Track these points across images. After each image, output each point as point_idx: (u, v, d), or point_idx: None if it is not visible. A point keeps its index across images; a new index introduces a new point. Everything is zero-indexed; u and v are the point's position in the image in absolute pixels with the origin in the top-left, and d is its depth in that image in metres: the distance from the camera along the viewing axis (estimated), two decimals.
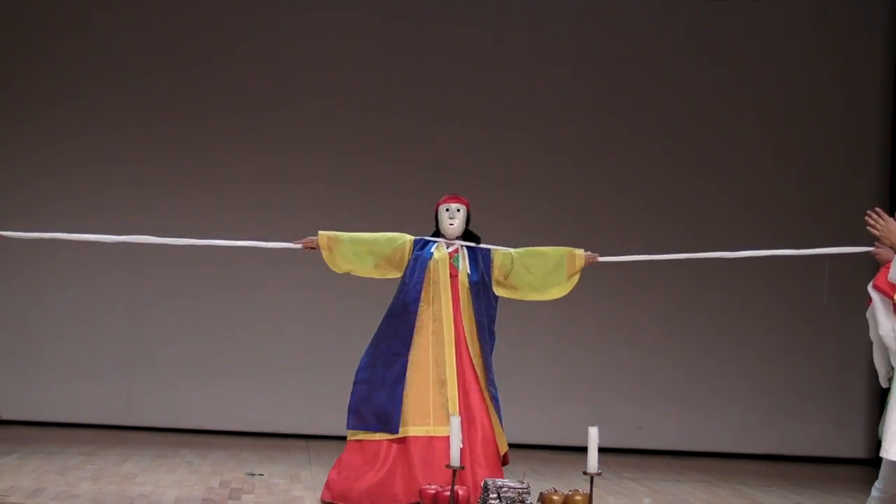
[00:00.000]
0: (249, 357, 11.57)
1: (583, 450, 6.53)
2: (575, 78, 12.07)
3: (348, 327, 10.95)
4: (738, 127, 12.18)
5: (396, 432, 7.10)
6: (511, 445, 7.48)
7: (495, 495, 6.45)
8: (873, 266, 6.61)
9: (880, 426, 6.15)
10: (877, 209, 6.25)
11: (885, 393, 6.29)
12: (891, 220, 6.17)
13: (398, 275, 7.32)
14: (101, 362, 11.49)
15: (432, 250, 7.32)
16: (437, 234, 7.44)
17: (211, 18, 11.81)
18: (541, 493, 6.60)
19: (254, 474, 8.73)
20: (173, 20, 11.78)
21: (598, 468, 6.46)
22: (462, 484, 6.66)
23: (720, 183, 12.14)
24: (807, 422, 12.01)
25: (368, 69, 11.88)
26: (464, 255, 7.35)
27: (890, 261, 6.22)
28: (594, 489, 6.57)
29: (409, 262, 7.29)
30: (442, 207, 7.42)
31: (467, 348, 7.23)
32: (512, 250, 7.40)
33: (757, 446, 11.95)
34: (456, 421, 6.36)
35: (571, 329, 11.76)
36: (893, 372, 6.23)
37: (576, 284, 7.44)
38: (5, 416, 11.38)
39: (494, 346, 7.38)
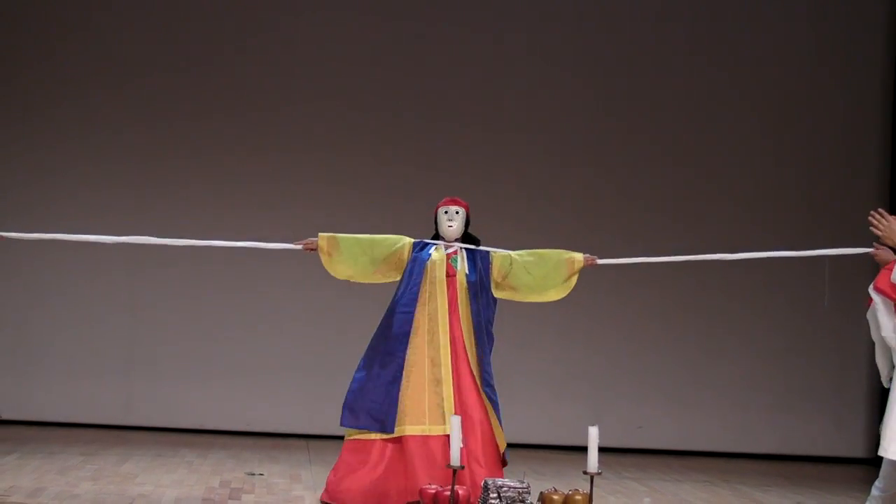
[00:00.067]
0: (250, 357, 11.57)
1: (583, 449, 6.53)
2: (575, 78, 12.07)
3: (348, 327, 10.97)
4: (738, 127, 12.18)
5: (391, 432, 7.10)
6: (511, 445, 7.48)
7: (495, 495, 6.45)
8: (873, 267, 6.61)
9: (881, 425, 6.15)
10: (879, 210, 6.27)
11: (885, 392, 6.30)
12: (893, 220, 6.18)
13: (397, 278, 7.33)
14: (101, 362, 11.50)
15: (431, 251, 7.32)
16: (437, 236, 7.44)
17: (211, 18, 11.82)
18: (541, 493, 6.60)
19: (254, 474, 8.73)
20: (173, 20, 11.78)
21: (599, 468, 6.46)
22: (460, 483, 6.65)
23: (720, 183, 12.14)
24: (807, 421, 12.01)
25: (368, 69, 11.88)
26: (462, 257, 7.35)
27: (889, 262, 6.22)
28: (594, 489, 6.57)
29: (407, 263, 7.29)
30: (441, 210, 7.43)
31: (464, 348, 7.24)
32: (511, 252, 7.40)
33: (757, 446, 11.95)
34: (456, 420, 6.37)
35: (571, 328, 11.76)
36: (895, 372, 6.24)
37: (574, 285, 7.44)
38: (5, 416, 11.38)
39: (493, 347, 7.37)
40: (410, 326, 7.22)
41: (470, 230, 7.48)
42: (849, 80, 12.24)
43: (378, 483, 7.06)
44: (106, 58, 11.68)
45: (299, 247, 7.38)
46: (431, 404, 7.11)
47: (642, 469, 10.33)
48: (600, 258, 7.47)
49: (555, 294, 7.41)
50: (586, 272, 7.43)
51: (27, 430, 10.96)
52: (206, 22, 11.81)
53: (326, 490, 7.25)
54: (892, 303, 6.15)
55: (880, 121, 12.23)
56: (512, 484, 6.50)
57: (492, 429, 7.23)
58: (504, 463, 7.29)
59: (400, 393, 7.14)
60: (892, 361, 6.25)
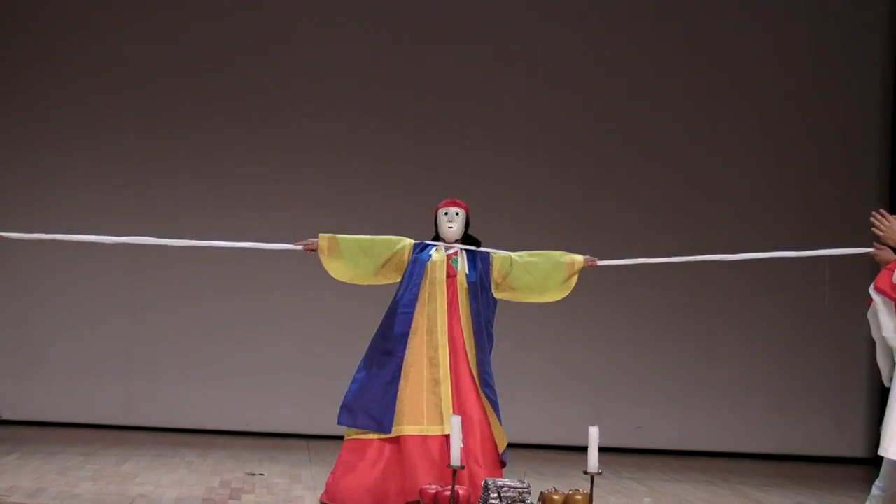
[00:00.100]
0: (250, 357, 11.57)
1: (583, 449, 6.53)
2: (575, 78, 12.08)
3: (349, 327, 10.96)
4: (738, 127, 12.19)
5: (389, 432, 7.10)
6: (511, 445, 7.48)
7: (496, 495, 6.45)
8: (872, 267, 6.62)
9: (882, 425, 6.15)
10: (881, 210, 6.28)
11: (885, 392, 6.30)
12: (894, 220, 6.19)
13: (397, 279, 7.32)
14: (101, 362, 11.50)
15: (431, 252, 7.32)
16: (437, 238, 7.43)
17: (211, 18, 11.82)
18: (541, 493, 6.60)
19: (254, 474, 8.73)
20: (173, 20, 11.78)
21: (599, 468, 6.46)
22: (459, 483, 6.65)
23: (720, 183, 12.14)
24: (807, 421, 12.01)
25: (369, 69, 11.88)
26: (463, 257, 7.35)
27: (890, 261, 6.23)
28: (594, 489, 6.57)
29: (408, 264, 7.29)
30: (441, 211, 7.42)
31: (464, 349, 7.23)
32: (512, 253, 7.40)
33: (757, 446, 11.95)
34: (456, 420, 6.37)
35: (571, 328, 11.76)
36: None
37: (574, 286, 7.44)
38: (5, 416, 11.38)
39: (493, 347, 7.37)
40: (409, 327, 7.22)
41: (470, 231, 7.48)
42: (849, 80, 12.24)
43: (376, 483, 7.06)
44: (106, 58, 11.68)
45: (300, 247, 7.37)
46: (430, 404, 7.11)
47: (642, 469, 10.33)
48: (600, 259, 7.46)
49: (555, 295, 7.41)
50: (586, 272, 7.43)
51: (27, 430, 10.96)
52: (206, 22, 11.81)
53: (326, 491, 7.25)
54: (893, 303, 6.15)
55: (880, 121, 12.24)
56: (512, 484, 6.50)
57: (491, 429, 7.22)
58: (503, 464, 7.28)
59: (398, 393, 7.14)
60: (892, 361, 6.25)
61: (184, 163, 11.69)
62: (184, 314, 11.60)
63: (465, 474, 6.94)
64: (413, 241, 7.37)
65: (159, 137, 11.67)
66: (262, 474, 8.74)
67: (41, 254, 11.13)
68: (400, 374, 7.16)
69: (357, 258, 7.31)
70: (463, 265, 7.32)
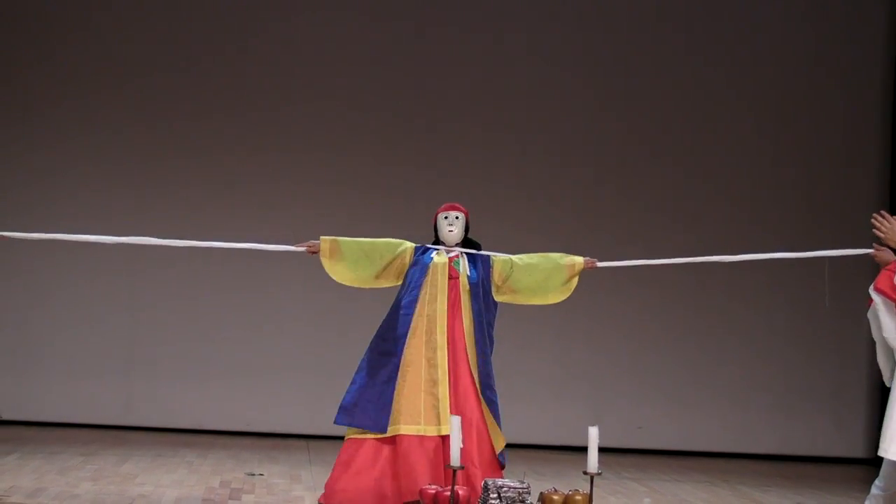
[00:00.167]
0: (249, 357, 11.57)
1: (583, 450, 6.53)
2: (575, 78, 12.08)
3: (349, 327, 10.97)
4: (737, 126, 12.19)
5: (385, 431, 7.10)
6: (511, 445, 7.48)
7: (495, 495, 6.45)
8: (872, 267, 6.62)
9: (883, 426, 6.15)
10: (882, 211, 6.29)
11: (885, 392, 6.30)
12: None
13: (398, 283, 7.32)
14: (101, 362, 11.50)
15: (433, 255, 7.32)
16: (437, 242, 7.43)
17: (211, 18, 11.82)
18: (541, 493, 6.60)
19: (254, 474, 8.73)
20: (173, 20, 11.78)
21: (599, 468, 6.46)
22: (457, 483, 6.64)
23: (720, 183, 12.14)
24: (807, 421, 12.01)
25: (369, 69, 11.88)
26: (464, 260, 7.35)
27: (890, 262, 6.23)
28: (594, 489, 6.57)
29: (409, 267, 7.29)
30: (441, 215, 7.42)
31: (465, 349, 7.23)
32: (512, 256, 7.39)
33: (757, 446, 11.95)
34: (456, 421, 6.37)
35: (571, 329, 11.76)
36: None
37: (575, 288, 7.43)
38: (5, 416, 11.38)
39: (493, 349, 7.37)
40: (409, 328, 7.22)
41: (470, 231, 7.48)
42: (849, 80, 12.24)
43: (374, 484, 7.05)
44: (106, 58, 11.68)
45: (302, 249, 7.37)
46: (427, 405, 7.11)
47: (642, 469, 10.33)
48: (600, 260, 7.46)
49: (555, 297, 7.41)
50: (586, 273, 7.42)
51: (27, 430, 10.96)
52: (206, 22, 11.81)
53: (325, 492, 7.24)
54: (893, 303, 6.15)
55: (880, 121, 12.24)
56: (512, 484, 6.50)
57: (488, 430, 7.21)
58: (501, 465, 7.28)
59: (395, 392, 7.14)
60: (893, 361, 6.25)
61: (184, 163, 11.69)
62: (184, 314, 11.60)
63: (462, 475, 6.94)
64: (414, 245, 7.37)
65: (159, 137, 11.67)
66: (261, 474, 8.74)
67: (41, 254, 11.13)
68: (397, 374, 7.16)
69: (358, 261, 7.30)
70: (465, 267, 7.32)
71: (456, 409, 7.08)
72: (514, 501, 6.44)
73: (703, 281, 11.85)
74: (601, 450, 6.48)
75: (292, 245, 7.42)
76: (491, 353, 7.31)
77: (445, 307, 7.22)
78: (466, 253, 7.36)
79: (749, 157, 12.18)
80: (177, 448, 10.11)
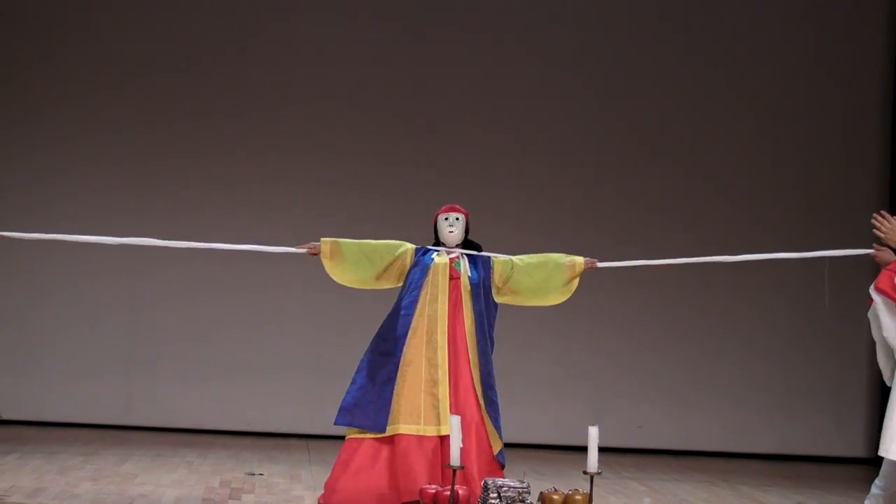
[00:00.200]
0: (249, 357, 11.57)
1: (583, 449, 6.53)
2: (575, 78, 12.08)
3: (348, 327, 10.97)
4: (737, 126, 12.19)
5: (384, 431, 7.10)
6: (511, 445, 7.47)
7: (495, 495, 6.45)
8: (872, 267, 6.62)
9: (883, 426, 6.15)
10: (882, 212, 6.29)
11: (885, 392, 6.30)
12: None
13: (399, 284, 7.33)
14: (101, 362, 11.49)
15: (433, 256, 7.33)
16: (438, 244, 7.43)
17: (211, 18, 11.82)
18: (541, 493, 6.60)
19: (254, 474, 8.73)
20: (173, 20, 11.78)
21: (599, 468, 6.46)
22: (456, 483, 6.65)
23: (720, 182, 12.14)
24: (807, 421, 12.01)
25: (369, 69, 11.88)
26: (465, 261, 7.35)
27: (890, 262, 6.23)
28: (594, 489, 6.57)
29: (410, 268, 7.29)
30: (441, 217, 7.42)
31: (466, 350, 7.23)
32: (512, 257, 7.39)
33: (757, 446, 11.95)
34: (456, 420, 6.37)
35: (571, 329, 11.76)
36: None
37: (575, 289, 7.43)
38: (5, 416, 11.38)
39: (494, 350, 7.36)
40: (409, 328, 7.22)
41: (470, 231, 7.48)
42: (849, 80, 12.24)
43: (374, 484, 7.05)
44: (106, 58, 11.68)
45: (302, 251, 7.37)
46: (427, 405, 7.11)
47: (642, 469, 10.33)
48: (601, 261, 7.45)
49: (556, 298, 7.41)
50: (586, 273, 7.42)
51: (27, 430, 10.96)
52: (206, 22, 11.81)
53: (324, 492, 7.24)
54: (893, 303, 6.15)
55: (880, 121, 12.24)
56: (512, 484, 6.50)
57: (486, 431, 7.21)
58: (501, 465, 7.27)
59: (394, 392, 7.14)
60: (894, 361, 6.25)
61: (184, 163, 11.69)
62: (184, 314, 11.60)
63: (461, 474, 6.93)
64: (415, 246, 7.37)
65: (159, 137, 11.67)
66: (261, 474, 8.74)
67: (41, 254, 11.13)
68: (396, 374, 7.16)
69: (359, 262, 7.31)
70: (465, 268, 7.32)
71: (456, 409, 7.08)
72: (514, 501, 6.44)
73: (704, 281, 11.85)
74: (601, 449, 6.48)
75: (293, 247, 7.42)
76: (491, 353, 7.31)
77: (446, 307, 7.22)
78: (467, 254, 7.36)
79: (749, 157, 12.18)
80: (177, 448, 10.12)
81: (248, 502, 7.44)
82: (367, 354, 7.29)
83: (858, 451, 11.97)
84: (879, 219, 6.28)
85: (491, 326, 7.33)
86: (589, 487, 6.52)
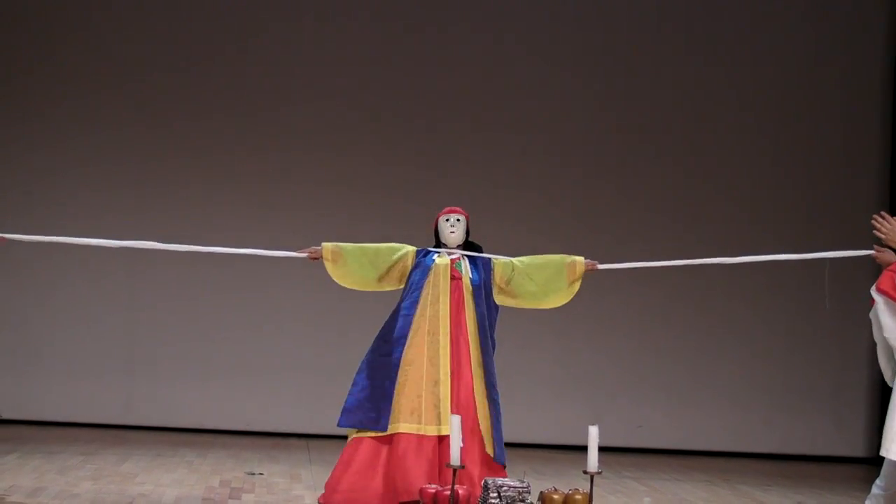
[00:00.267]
0: (249, 356, 11.57)
1: (583, 449, 6.52)
2: (575, 78, 12.08)
3: (349, 327, 10.98)
4: (737, 126, 12.19)
5: (385, 430, 7.10)
6: (511, 445, 7.47)
7: (495, 494, 6.45)
8: (873, 267, 6.62)
9: (884, 426, 6.15)
10: (882, 213, 6.29)
11: (885, 392, 6.29)
12: None
13: (400, 286, 7.33)
14: (101, 362, 11.49)
15: (434, 257, 7.33)
16: (439, 246, 7.43)
17: (212, 18, 11.82)
18: (541, 493, 6.60)
19: (254, 473, 8.73)
20: (173, 20, 11.78)
21: (599, 467, 6.45)
22: (457, 483, 6.65)
23: (719, 183, 12.14)
24: (807, 421, 12.01)
25: (369, 69, 11.88)
26: (465, 261, 7.36)
27: (891, 263, 6.23)
28: (594, 488, 6.56)
29: (411, 270, 7.30)
30: (442, 218, 7.43)
31: (468, 350, 7.23)
32: (513, 259, 7.40)
33: (757, 445, 11.95)
34: (456, 420, 6.37)
35: (571, 328, 11.75)
36: None
37: (577, 291, 7.42)
38: (5, 416, 11.38)
39: (495, 352, 7.37)
40: (410, 328, 7.22)
41: (470, 232, 7.48)
42: (849, 80, 12.24)
43: (373, 482, 7.06)
44: (106, 58, 11.69)
45: (304, 255, 7.38)
46: (428, 404, 7.11)
47: (642, 468, 10.33)
48: (601, 262, 7.44)
49: (557, 301, 7.41)
50: (586, 274, 7.41)
51: (27, 429, 10.96)
52: (206, 22, 11.81)
53: (325, 492, 7.24)
54: (895, 303, 6.14)
55: (880, 121, 12.24)
56: (512, 483, 6.50)
57: (483, 431, 7.20)
58: (502, 465, 7.26)
59: (395, 391, 7.15)
60: (894, 361, 6.25)
61: (184, 163, 11.69)
62: (184, 314, 11.60)
63: (462, 474, 6.94)
64: (416, 249, 7.38)
65: (159, 137, 11.67)
66: (261, 474, 8.74)
67: (41, 254, 11.13)
68: (398, 373, 7.17)
69: (361, 265, 7.32)
70: (466, 269, 7.33)
71: (457, 409, 7.08)
72: (514, 501, 6.44)
73: (704, 281, 11.85)
74: (601, 449, 6.48)
75: (294, 251, 7.42)
76: (493, 354, 7.31)
77: (448, 307, 7.23)
78: (468, 255, 7.37)
79: (749, 157, 12.18)
80: (177, 447, 10.12)
81: (248, 502, 7.44)
82: (368, 355, 7.30)
83: (858, 450, 11.97)
84: (879, 220, 6.28)
85: (492, 327, 7.33)
86: (589, 487, 6.52)
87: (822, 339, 12.04)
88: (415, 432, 7.07)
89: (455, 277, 7.28)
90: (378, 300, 7.71)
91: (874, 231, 6.28)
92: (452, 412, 6.99)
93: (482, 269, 7.34)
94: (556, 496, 6.50)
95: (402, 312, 7.26)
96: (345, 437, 7.35)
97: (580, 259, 7.38)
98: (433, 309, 7.22)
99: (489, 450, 7.15)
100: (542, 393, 11.71)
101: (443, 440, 6.98)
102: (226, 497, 7.55)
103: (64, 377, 11.45)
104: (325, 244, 7.33)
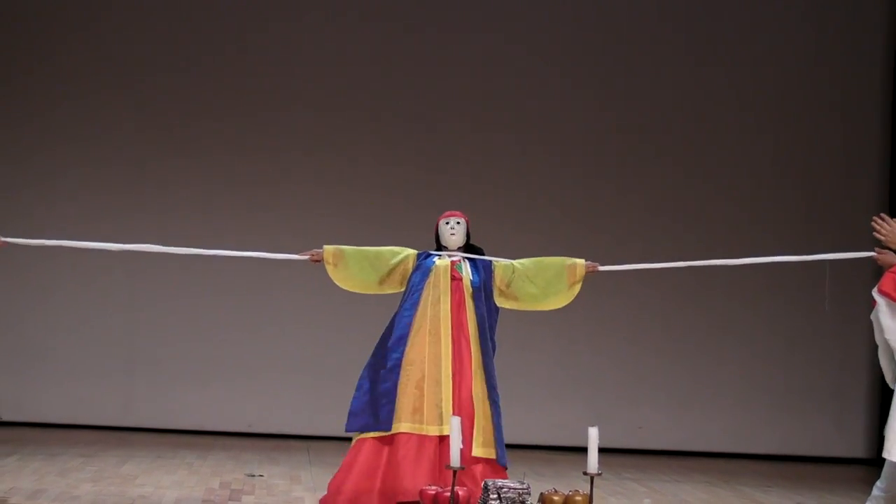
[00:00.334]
0: (249, 358, 11.57)
1: (583, 450, 6.53)
2: (575, 78, 12.07)
3: (349, 328, 10.97)
4: (737, 127, 12.18)
5: (387, 430, 7.10)
6: (512, 446, 7.47)
7: (495, 496, 6.45)
8: (874, 268, 6.61)
9: (886, 427, 6.15)
10: (882, 214, 6.29)
11: (885, 393, 6.29)
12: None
13: (401, 289, 7.34)
14: (101, 363, 11.49)
15: (434, 259, 7.34)
16: (439, 249, 7.43)
17: (212, 18, 11.81)
18: (541, 494, 6.60)
19: (254, 475, 8.73)
20: (173, 20, 11.78)
21: (599, 469, 6.45)
22: (458, 484, 6.65)
23: (719, 183, 12.14)
24: (807, 422, 12.01)
25: (369, 69, 11.88)
26: (466, 263, 7.37)
27: (893, 265, 6.22)
28: (594, 490, 6.56)
29: (411, 273, 7.31)
30: (442, 222, 7.44)
31: (469, 351, 7.24)
32: (514, 261, 7.40)
33: (757, 446, 11.94)
34: (456, 421, 6.37)
35: (571, 330, 11.75)
36: None
37: (578, 293, 7.42)
38: (6, 418, 11.38)
39: (495, 353, 7.37)
40: (410, 329, 7.23)
41: (471, 235, 7.48)
42: (849, 81, 12.23)
43: (375, 483, 7.06)
44: (106, 58, 11.68)
45: (305, 257, 7.38)
46: (429, 404, 7.12)
47: (642, 470, 10.33)
48: (602, 263, 7.44)
49: (557, 302, 7.41)
50: (587, 275, 7.41)
51: (27, 431, 10.97)
52: (206, 22, 11.81)
53: (328, 492, 7.24)
54: None
55: (880, 121, 12.23)
56: (512, 485, 6.50)
57: (488, 431, 7.20)
58: (503, 467, 7.27)
59: (398, 391, 7.15)
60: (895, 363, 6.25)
61: (184, 163, 11.68)
62: (184, 315, 11.60)
63: (462, 475, 6.94)
64: (416, 252, 7.39)
65: (159, 138, 11.67)
66: (261, 476, 8.74)
67: (41, 256, 11.08)
68: (399, 374, 7.17)
69: (362, 269, 7.33)
70: (467, 271, 7.33)
71: (459, 409, 7.09)
72: (514, 502, 6.44)
73: (704, 282, 11.85)
74: (601, 450, 6.48)
75: (296, 254, 7.42)
76: (493, 355, 7.32)
77: (449, 308, 7.23)
78: (468, 257, 7.37)
79: (748, 158, 12.17)
80: (177, 449, 10.11)
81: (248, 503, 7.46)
82: (371, 358, 7.31)
83: (858, 451, 11.96)
84: (879, 222, 6.27)
85: (492, 329, 7.34)
86: (589, 488, 6.52)
87: (822, 340, 12.03)
88: (416, 432, 7.07)
89: (455, 278, 7.28)
90: (379, 303, 7.70)
91: (874, 233, 6.28)
92: (454, 412, 6.99)
93: (482, 272, 7.34)
94: (556, 498, 6.50)
95: (403, 313, 7.27)
96: (344, 440, 7.36)
97: (581, 261, 7.38)
98: (434, 309, 7.22)
99: (492, 452, 7.16)
100: (542, 394, 11.71)
101: (444, 440, 6.98)
102: (226, 499, 7.55)
103: (64, 379, 11.45)
104: (326, 247, 7.34)
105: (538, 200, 11.92)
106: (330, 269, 7.32)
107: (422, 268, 7.30)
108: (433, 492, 6.55)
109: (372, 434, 7.13)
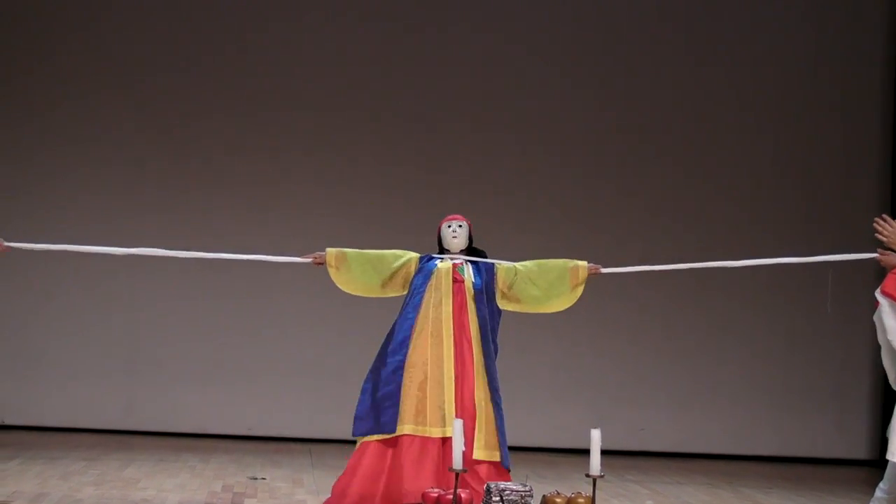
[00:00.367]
0: (252, 361, 11.56)
1: (585, 452, 6.53)
2: (575, 78, 12.07)
3: (351, 332, 10.97)
4: (738, 127, 12.18)
5: (391, 432, 7.10)
6: (514, 448, 7.47)
7: (498, 498, 6.45)
8: (875, 269, 6.61)
9: (889, 429, 6.15)
10: (884, 215, 6.28)
11: (887, 394, 6.30)
12: None
13: (404, 292, 7.34)
14: (102, 367, 11.49)
15: (436, 262, 7.34)
16: (442, 252, 7.44)
17: (212, 19, 11.81)
18: (543, 496, 6.61)
19: (256, 478, 8.73)
20: (173, 20, 11.78)
21: (601, 470, 6.46)
22: (461, 486, 6.65)
23: (719, 183, 12.14)
24: (808, 423, 12.01)
25: (369, 69, 11.88)
26: (468, 266, 7.37)
27: (895, 266, 6.22)
28: (596, 491, 6.57)
29: (414, 276, 7.32)
30: (444, 225, 7.45)
31: (471, 353, 7.24)
32: (516, 264, 7.40)
33: (758, 448, 11.95)
34: (458, 424, 6.37)
35: (573, 332, 11.74)
36: None
37: (580, 295, 7.42)
38: (7, 421, 11.38)
39: (497, 356, 7.37)
40: (412, 332, 7.23)
41: (473, 237, 7.48)
42: (849, 81, 12.23)
43: (378, 486, 7.06)
44: (106, 58, 11.68)
45: (308, 260, 7.38)
46: (432, 406, 7.12)
47: (644, 471, 10.33)
48: (601, 262, 7.44)
49: (560, 304, 7.42)
50: (589, 277, 7.41)
51: (29, 435, 10.96)
52: (206, 22, 11.81)
53: (332, 495, 7.24)
54: None
55: (880, 121, 12.23)
56: (514, 487, 6.51)
57: (492, 432, 7.21)
58: (507, 469, 7.27)
59: (401, 394, 7.15)
60: None
61: (184, 163, 11.68)
62: (185, 318, 11.60)
63: (466, 477, 6.94)
64: (419, 255, 7.39)
65: (160, 138, 11.66)
66: (264, 478, 8.74)
67: (42, 259, 11.06)
68: (402, 376, 7.18)
69: (364, 272, 7.33)
70: (469, 273, 7.34)
71: (461, 411, 7.09)
72: None
73: (705, 283, 11.85)
74: (603, 452, 6.48)
75: (298, 257, 7.42)
76: (495, 358, 7.32)
77: (451, 310, 7.24)
78: (469, 260, 7.37)
79: (749, 158, 12.17)
80: (179, 452, 10.11)
81: None
82: (375, 362, 7.32)
83: (860, 452, 11.96)
84: (881, 223, 6.27)
85: (494, 332, 7.35)
86: (591, 490, 6.52)
87: (823, 341, 12.03)
88: (419, 434, 7.08)
89: (457, 281, 7.29)
90: (381, 305, 7.70)
91: (876, 234, 6.28)
92: (457, 415, 7.00)
93: (485, 274, 7.35)
94: (558, 500, 6.51)
95: (405, 316, 7.28)
96: (346, 442, 7.36)
97: (583, 263, 7.38)
98: (436, 311, 7.23)
99: (494, 454, 7.17)
100: (544, 396, 11.71)
101: (447, 442, 6.98)
102: (228, 502, 7.55)
103: (66, 382, 11.44)
104: (328, 249, 7.34)
105: (538, 200, 11.92)
106: (332, 271, 7.33)
107: (424, 271, 7.31)
108: (436, 494, 6.56)
109: (376, 437, 7.14)
